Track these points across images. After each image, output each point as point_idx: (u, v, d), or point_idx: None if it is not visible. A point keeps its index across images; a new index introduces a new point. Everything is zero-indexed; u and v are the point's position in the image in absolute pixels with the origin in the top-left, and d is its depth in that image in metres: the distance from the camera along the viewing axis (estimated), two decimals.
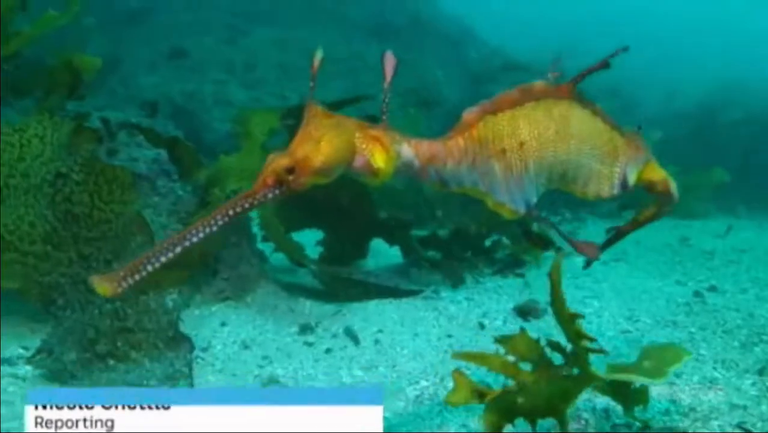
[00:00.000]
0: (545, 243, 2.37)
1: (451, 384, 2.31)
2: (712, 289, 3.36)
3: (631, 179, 1.80)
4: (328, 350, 2.68)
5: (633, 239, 1.54)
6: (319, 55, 1.45)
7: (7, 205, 2.85)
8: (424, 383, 2.31)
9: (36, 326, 2.81)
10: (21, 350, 2.58)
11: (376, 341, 2.74)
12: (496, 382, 1.95)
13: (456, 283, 3.37)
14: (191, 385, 2.08)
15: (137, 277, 1.22)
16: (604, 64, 1.63)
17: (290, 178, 1.32)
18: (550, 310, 3.01)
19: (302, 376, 2.43)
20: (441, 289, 3.45)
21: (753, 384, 2.21)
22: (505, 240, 3.99)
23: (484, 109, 1.57)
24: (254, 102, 6.12)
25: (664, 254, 4.11)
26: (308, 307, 3.21)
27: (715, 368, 2.34)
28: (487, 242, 4.02)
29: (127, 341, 2.26)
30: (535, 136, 1.60)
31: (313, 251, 3.74)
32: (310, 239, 3.79)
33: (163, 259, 1.24)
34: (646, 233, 3.95)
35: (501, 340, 1.73)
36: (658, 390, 2.13)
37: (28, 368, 2.44)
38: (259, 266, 3.40)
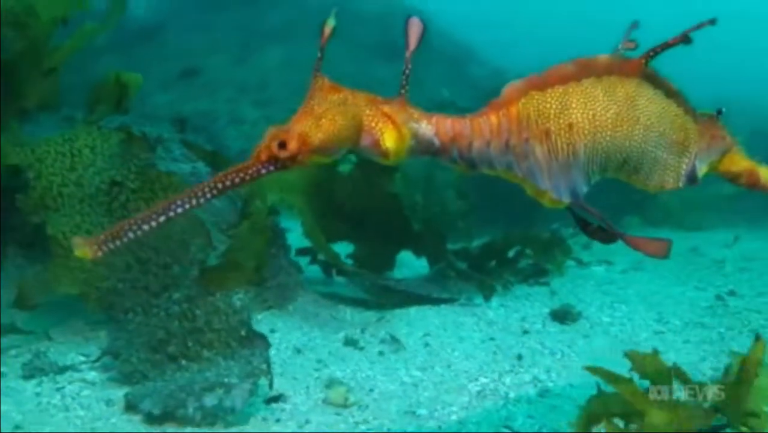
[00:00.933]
0: (609, 237, 1.94)
1: (508, 380, 2.45)
2: (731, 293, 3.55)
3: (701, 171, 1.64)
4: (380, 353, 2.79)
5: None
6: (331, 23, 1.32)
7: (62, 213, 2.94)
8: (483, 379, 2.45)
9: (89, 334, 2.90)
10: (81, 357, 2.66)
11: (426, 344, 2.86)
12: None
13: (488, 293, 3.50)
14: (271, 382, 2.18)
15: (118, 242, 1.17)
16: (684, 38, 1.46)
17: (283, 154, 1.23)
18: (584, 314, 3.18)
19: (362, 377, 2.53)
20: (473, 297, 3.59)
21: None
22: (527, 251, 4.15)
23: (530, 83, 1.41)
24: (266, 120, 6.24)
25: (679, 263, 4.30)
26: (349, 314, 3.33)
27: None
28: (510, 253, 4.17)
29: (198, 341, 2.36)
30: (589, 118, 1.43)
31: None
32: (340, 251, 3.91)
33: (146, 227, 1.19)
34: None
35: (631, 355, 1.72)
36: None
37: (94, 373, 2.52)
38: (296, 276, 3.51)
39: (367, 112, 1.31)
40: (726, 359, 2.61)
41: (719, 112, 1.65)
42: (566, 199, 1.45)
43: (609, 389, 1.72)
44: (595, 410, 1.67)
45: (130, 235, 1.17)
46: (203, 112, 5.93)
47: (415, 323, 3.11)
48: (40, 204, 2.96)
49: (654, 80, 1.50)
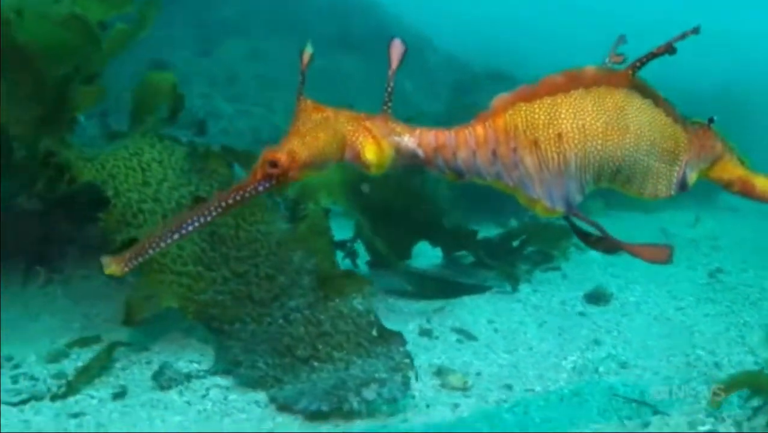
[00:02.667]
0: (610, 246, 1.81)
1: (590, 356, 2.90)
2: (719, 271, 4.22)
3: (691, 179, 1.70)
4: (459, 341, 3.16)
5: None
6: (309, 51, 1.45)
7: (145, 230, 3.04)
8: (570, 357, 2.89)
9: (183, 342, 3.05)
10: (194, 365, 2.82)
11: (495, 330, 3.27)
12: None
13: (515, 281, 3.93)
14: (416, 374, 2.50)
15: (140, 259, 1.35)
16: (669, 48, 1.52)
17: (276, 171, 1.38)
18: (616, 295, 3.71)
19: (460, 363, 2.89)
20: (501, 285, 4.01)
21: None
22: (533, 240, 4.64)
23: (518, 95, 1.49)
24: (243, 115, 6.35)
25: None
26: (403, 306, 3.66)
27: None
28: (515, 242, 4.65)
29: (327, 343, 2.62)
30: (579, 127, 1.49)
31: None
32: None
33: (162, 244, 1.36)
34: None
35: None
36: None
37: (219, 379, 2.70)
38: None
39: (349, 128, 1.45)
40: (744, 328, 3.22)
41: (711, 120, 1.73)
42: (560, 208, 1.53)
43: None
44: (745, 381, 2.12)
45: (150, 252, 1.36)
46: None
47: (473, 311, 3.50)
48: (122, 221, 3.05)
49: (642, 90, 1.57)
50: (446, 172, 1.51)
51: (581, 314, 3.49)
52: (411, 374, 2.46)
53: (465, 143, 1.49)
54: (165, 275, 2.93)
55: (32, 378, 2.73)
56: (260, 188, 1.39)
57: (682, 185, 1.68)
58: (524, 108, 1.48)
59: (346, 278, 2.78)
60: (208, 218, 1.36)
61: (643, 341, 3.07)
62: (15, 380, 2.74)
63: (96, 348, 2.98)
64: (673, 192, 1.67)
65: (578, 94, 1.50)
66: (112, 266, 1.35)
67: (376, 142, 1.45)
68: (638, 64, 1.55)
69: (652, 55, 1.53)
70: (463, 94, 6.97)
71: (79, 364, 2.84)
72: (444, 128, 1.50)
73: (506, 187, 1.51)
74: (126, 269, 1.34)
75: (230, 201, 1.38)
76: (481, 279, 4.13)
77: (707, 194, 6.45)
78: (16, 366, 2.85)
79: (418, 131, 1.48)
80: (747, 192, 1.81)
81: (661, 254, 1.55)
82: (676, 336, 3.12)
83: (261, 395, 2.53)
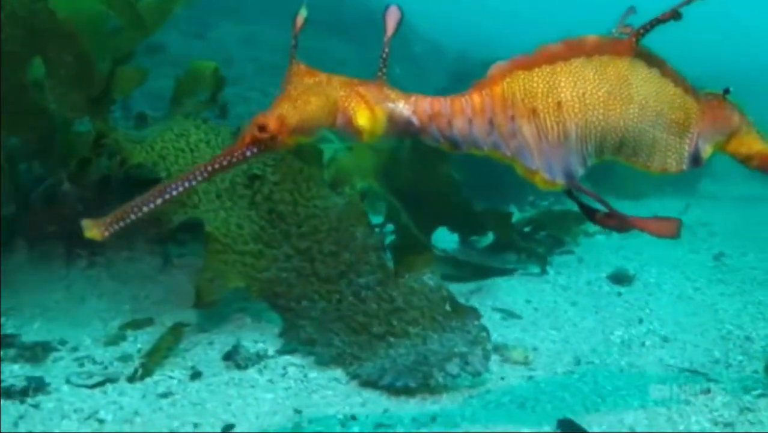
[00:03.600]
0: (619, 223, 1.74)
1: (634, 332, 3.12)
2: (722, 255, 4.54)
3: (705, 153, 1.65)
4: (503, 318, 3.34)
5: None
6: (303, 14, 1.42)
7: (202, 210, 3.09)
8: (616, 332, 3.10)
9: (238, 322, 3.12)
10: (260, 344, 2.90)
11: (535, 309, 3.46)
12: None
13: (543, 263, 4.14)
14: (492, 348, 2.65)
15: (121, 224, 1.29)
16: (674, 14, 1.49)
17: (264, 136, 1.34)
18: (638, 276, 3.95)
19: (512, 339, 3.06)
20: (524, 268, 4.21)
21: None
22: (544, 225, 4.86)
23: (515, 63, 1.47)
24: (240, 99, 6.35)
25: None
26: None
27: None
28: (526, 228, 4.86)
29: (401, 319, 2.74)
30: (579, 96, 1.46)
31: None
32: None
33: (145, 209, 1.30)
34: None
35: None
36: None
37: (290, 357, 2.79)
38: None
39: (341, 93, 1.41)
40: (761, 306, 3.51)
41: (726, 91, 1.67)
42: (560, 180, 1.48)
43: None
44: None
45: (132, 217, 1.29)
46: None
47: (510, 292, 3.69)
48: (177, 201, 3.09)
49: (648, 59, 1.52)
50: (441, 142, 1.48)
51: (609, 293, 3.72)
52: (489, 347, 2.62)
53: (461, 111, 1.46)
54: (228, 255, 2.99)
55: (96, 361, 2.76)
56: (248, 153, 1.35)
57: (695, 159, 1.62)
58: (523, 76, 1.46)
59: (417, 255, 2.90)
60: (193, 182, 1.33)
61: (674, 318, 3.31)
62: (80, 363, 2.76)
63: (150, 330, 3.03)
64: (684, 166, 1.62)
65: (579, 62, 1.47)
66: (93, 229, 1.29)
67: (369, 108, 1.42)
68: (642, 31, 1.51)
69: (657, 21, 1.50)
70: (459, 82, 7.13)
71: (138, 346, 2.89)
72: (438, 96, 1.48)
73: (504, 157, 1.49)
74: (106, 233, 1.29)
75: (216, 166, 1.34)
76: (502, 262, 4.32)
77: (689, 183, 6.84)
78: (74, 349, 2.87)
79: (413, 98, 1.45)
80: (766, 168, 1.76)
81: (670, 228, 1.54)
82: (702, 313, 3.38)
83: (339, 372, 2.64)
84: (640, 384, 2.54)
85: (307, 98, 1.38)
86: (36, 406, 2.30)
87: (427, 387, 2.47)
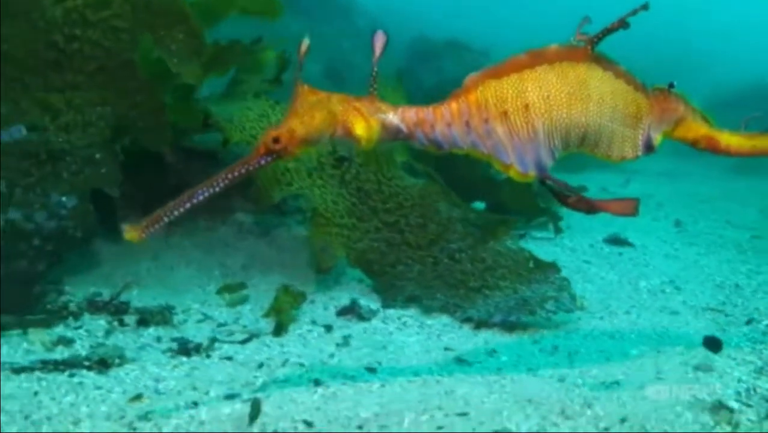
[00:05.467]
0: (588, 206, 1.94)
1: (652, 281, 3.90)
2: (680, 222, 5.47)
3: (656, 140, 1.92)
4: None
5: None
6: (306, 42, 1.69)
7: (296, 188, 3.46)
8: (641, 283, 3.86)
9: (331, 285, 3.55)
10: (363, 301, 3.35)
11: (563, 267, 4.11)
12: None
13: (558, 227, 4.81)
14: (575, 295, 3.27)
15: (156, 226, 1.57)
16: (623, 24, 1.74)
17: (277, 147, 1.63)
18: (631, 239, 4.75)
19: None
20: (528, 231, 4.87)
21: None
22: None
23: (486, 74, 1.75)
24: None
25: None
26: None
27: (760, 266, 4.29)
28: None
29: (493, 275, 3.32)
30: (544, 98, 1.72)
31: None
32: None
33: (176, 213, 1.58)
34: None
35: None
36: None
37: (399, 310, 3.26)
38: None
39: (340, 108, 1.70)
40: (732, 263, 4.36)
41: (671, 85, 1.97)
42: (532, 172, 1.77)
43: None
44: None
45: (165, 220, 1.59)
46: None
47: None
48: (273, 178, 3.44)
49: (603, 63, 1.81)
50: (426, 144, 1.78)
51: (611, 254, 4.50)
52: (574, 292, 3.25)
53: (441, 117, 1.75)
54: (330, 228, 3.41)
55: (221, 324, 3.07)
56: (263, 162, 1.67)
57: (648, 147, 1.91)
58: (493, 84, 1.74)
59: (500, 224, 3.48)
60: (217, 189, 1.60)
61: (674, 272, 4.12)
62: (210, 322, 3.07)
63: (244, 294, 3.38)
64: (639, 153, 1.91)
65: (543, 69, 1.75)
66: (132, 232, 1.58)
67: (365, 120, 1.70)
68: (595, 39, 1.78)
69: (607, 31, 1.77)
70: (420, 63, 7.65)
71: (249, 308, 3.25)
72: (422, 106, 1.77)
73: (482, 155, 1.78)
74: (143, 236, 1.58)
75: (236, 173, 1.63)
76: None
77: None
78: (187, 312, 3.17)
79: (400, 109, 1.75)
80: (713, 148, 2.06)
81: (629, 207, 1.86)
82: (691, 268, 4.22)
83: (448, 319, 3.16)
84: (688, 322, 3.24)
85: (312, 114, 1.67)
86: (230, 358, 2.64)
87: (534, 322, 3.05)
